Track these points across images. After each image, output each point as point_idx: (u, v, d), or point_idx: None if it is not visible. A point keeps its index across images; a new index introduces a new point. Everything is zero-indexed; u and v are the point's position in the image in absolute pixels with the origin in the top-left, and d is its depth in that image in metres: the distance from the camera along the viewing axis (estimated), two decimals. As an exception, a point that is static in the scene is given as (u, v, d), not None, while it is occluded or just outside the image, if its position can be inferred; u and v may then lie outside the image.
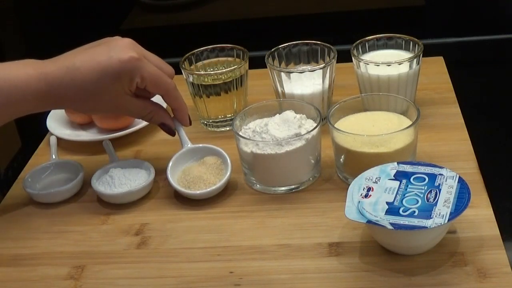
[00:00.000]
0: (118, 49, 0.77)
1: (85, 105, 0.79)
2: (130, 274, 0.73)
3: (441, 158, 0.83)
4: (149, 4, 1.30)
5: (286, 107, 0.85)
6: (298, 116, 0.82)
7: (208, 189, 0.81)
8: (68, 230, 0.81)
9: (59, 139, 0.95)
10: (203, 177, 0.83)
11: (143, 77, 0.78)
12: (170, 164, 0.84)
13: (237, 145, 0.83)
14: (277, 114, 0.84)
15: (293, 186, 0.82)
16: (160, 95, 0.83)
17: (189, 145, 0.87)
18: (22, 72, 0.75)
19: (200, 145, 0.87)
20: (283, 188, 0.82)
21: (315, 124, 0.82)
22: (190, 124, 0.87)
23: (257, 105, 0.86)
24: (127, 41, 0.79)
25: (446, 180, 0.72)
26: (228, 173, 0.83)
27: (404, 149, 0.79)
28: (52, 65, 0.76)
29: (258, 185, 0.83)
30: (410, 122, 0.80)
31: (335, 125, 0.81)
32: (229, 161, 0.84)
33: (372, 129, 0.82)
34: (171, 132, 0.87)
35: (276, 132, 0.81)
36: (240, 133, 0.82)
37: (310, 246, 0.73)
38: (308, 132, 0.80)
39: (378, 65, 0.89)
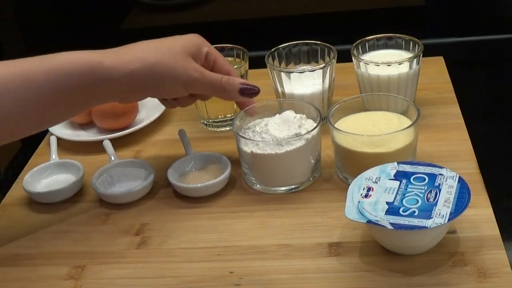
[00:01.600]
0: (179, 35, 0.80)
1: (159, 66, 0.76)
2: (130, 274, 0.73)
3: (441, 158, 0.83)
4: (149, 4, 1.30)
5: (286, 107, 0.85)
6: (298, 116, 0.82)
7: (206, 183, 0.81)
8: (68, 230, 0.81)
9: (59, 139, 0.95)
10: (203, 178, 0.83)
11: (210, 49, 0.81)
12: (171, 169, 0.85)
13: (237, 145, 0.83)
14: (277, 114, 0.84)
15: (293, 186, 0.82)
16: (226, 73, 0.83)
17: (192, 154, 0.87)
18: (77, 54, 0.74)
19: (202, 153, 0.87)
20: (283, 188, 0.82)
21: (315, 124, 0.82)
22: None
23: (257, 105, 0.86)
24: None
25: (446, 180, 0.72)
26: (228, 170, 0.83)
27: (404, 149, 0.79)
28: (110, 50, 0.77)
29: (258, 185, 0.83)
30: (410, 122, 0.80)
31: (335, 125, 0.81)
32: (229, 163, 0.84)
33: (372, 129, 0.82)
34: (255, 91, 0.82)
35: (276, 132, 0.81)
36: (240, 133, 0.82)
37: (310, 246, 0.73)
38: (308, 132, 0.80)
39: (378, 65, 0.89)
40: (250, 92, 0.82)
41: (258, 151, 0.80)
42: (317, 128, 0.81)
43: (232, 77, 0.81)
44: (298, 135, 0.80)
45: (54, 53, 0.73)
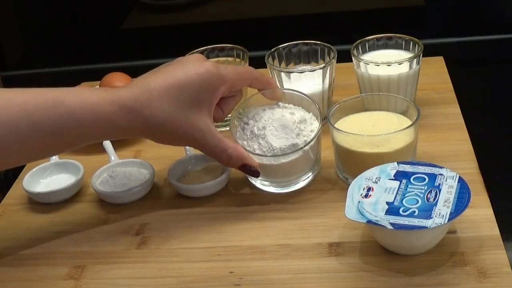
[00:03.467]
0: (192, 64, 0.75)
1: (162, 128, 0.74)
2: (130, 274, 0.73)
3: (441, 158, 0.83)
4: (149, 4, 1.30)
5: (287, 99, 0.84)
6: (297, 119, 0.81)
7: (206, 183, 0.81)
8: (68, 230, 0.81)
9: (59, 139, 0.95)
10: (203, 178, 0.83)
11: (226, 80, 0.76)
12: (171, 169, 0.85)
13: (236, 144, 0.83)
14: (276, 108, 0.82)
15: (293, 187, 0.82)
16: (249, 86, 0.82)
17: (191, 154, 0.87)
18: (95, 95, 0.72)
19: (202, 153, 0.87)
20: (283, 188, 0.82)
21: (315, 131, 0.80)
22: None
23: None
24: (196, 55, 0.78)
25: (446, 180, 0.72)
26: (228, 170, 0.83)
27: (404, 149, 0.79)
28: (125, 89, 0.74)
29: (258, 185, 0.83)
30: (410, 122, 0.80)
31: (335, 125, 0.81)
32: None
33: (372, 129, 0.82)
34: (256, 172, 0.79)
35: (273, 140, 0.79)
36: (238, 132, 0.81)
37: (310, 246, 0.73)
38: (306, 144, 0.79)
39: (378, 65, 0.89)
40: (248, 173, 0.80)
41: (255, 159, 0.79)
42: (315, 138, 0.79)
43: (237, 152, 0.77)
44: (295, 146, 0.79)
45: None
